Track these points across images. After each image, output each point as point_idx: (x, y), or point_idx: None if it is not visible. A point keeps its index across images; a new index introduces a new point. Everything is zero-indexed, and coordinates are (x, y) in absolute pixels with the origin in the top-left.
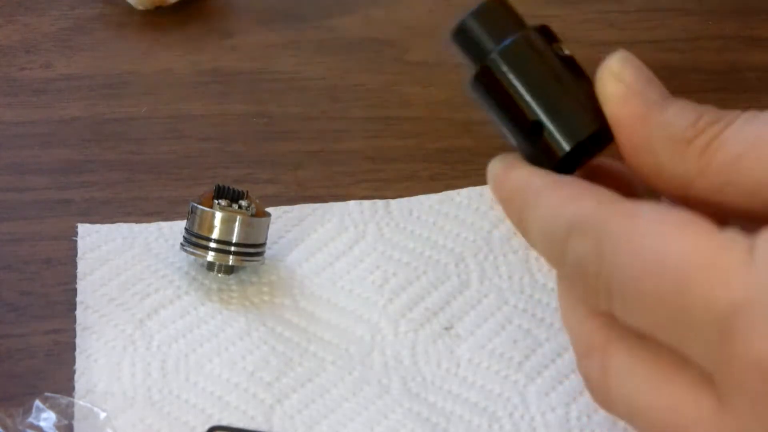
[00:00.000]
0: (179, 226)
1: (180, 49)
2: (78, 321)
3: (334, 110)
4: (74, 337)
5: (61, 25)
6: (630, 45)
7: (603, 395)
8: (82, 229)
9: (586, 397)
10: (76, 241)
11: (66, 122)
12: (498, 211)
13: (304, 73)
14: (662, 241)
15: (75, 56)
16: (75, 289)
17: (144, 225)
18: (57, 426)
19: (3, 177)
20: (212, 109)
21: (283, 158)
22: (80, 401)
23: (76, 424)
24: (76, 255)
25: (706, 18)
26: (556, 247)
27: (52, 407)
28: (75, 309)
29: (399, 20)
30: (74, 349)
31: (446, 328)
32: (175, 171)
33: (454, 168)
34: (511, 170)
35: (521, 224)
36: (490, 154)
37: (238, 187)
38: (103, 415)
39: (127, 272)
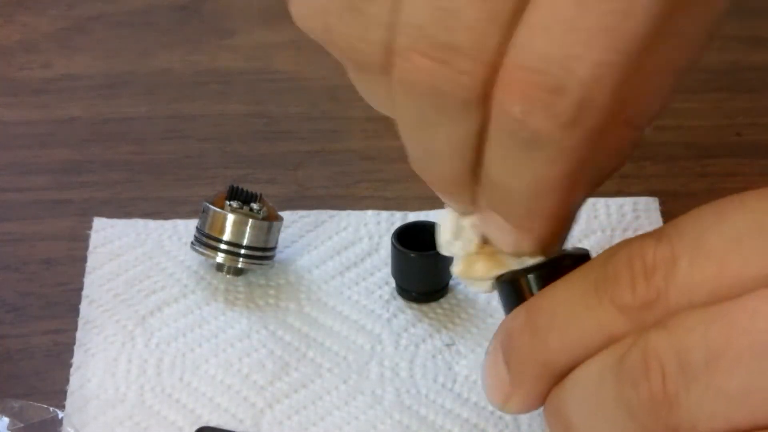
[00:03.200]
0: (194, 224)
1: (180, 49)
2: (81, 315)
3: (334, 110)
4: (74, 337)
5: (60, 25)
6: None
7: None
8: (98, 222)
9: None
10: (75, 241)
11: (65, 122)
12: None
13: (304, 73)
14: None
15: (74, 56)
16: (75, 290)
17: (160, 222)
18: (12, 429)
19: (2, 177)
20: (212, 109)
21: (283, 158)
22: (34, 402)
23: (33, 425)
24: (75, 255)
25: None
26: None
27: (3, 411)
28: (75, 309)
29: None
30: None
31: (448, 345)
32: (174, 171)
33: None
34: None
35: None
36: None
37: (252, 189)
38: (60, 414)
39: (136, 268)
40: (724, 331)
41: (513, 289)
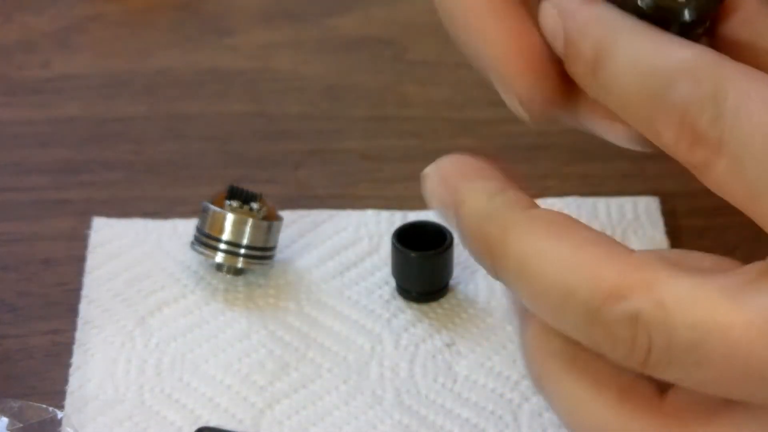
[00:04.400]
0: (194, 224)
1: (179, 48)
2: (80, 315)
3: (333, 110)
4: (73, 337)
5: (59, 24)
6: None
7: None
8: (97, 222)
9: None
10: (74, 241)
11: (64, 122)
12: None
13: (303, 73)
14: None
15: (73, 55)
16: (74, 290)
17: (160, 221)
18: (11, 429)
19: (1, 177)
20: (211, 108)
21: (283, 158)
22: (33, 402)
23: (33, 426)
24: (75, 255)
25: None
26: (648, 87)
27: (2, 411)
28: (74, 309)
29: (399, 20)
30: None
31: (448, 344)
32: (173, 171)
33: None
34: (592, 4)
35: (599, 58)
36: (490, 154)
37: (252, 189)
38: (60, 414)
39: (136, 268)
40: None
41: None
